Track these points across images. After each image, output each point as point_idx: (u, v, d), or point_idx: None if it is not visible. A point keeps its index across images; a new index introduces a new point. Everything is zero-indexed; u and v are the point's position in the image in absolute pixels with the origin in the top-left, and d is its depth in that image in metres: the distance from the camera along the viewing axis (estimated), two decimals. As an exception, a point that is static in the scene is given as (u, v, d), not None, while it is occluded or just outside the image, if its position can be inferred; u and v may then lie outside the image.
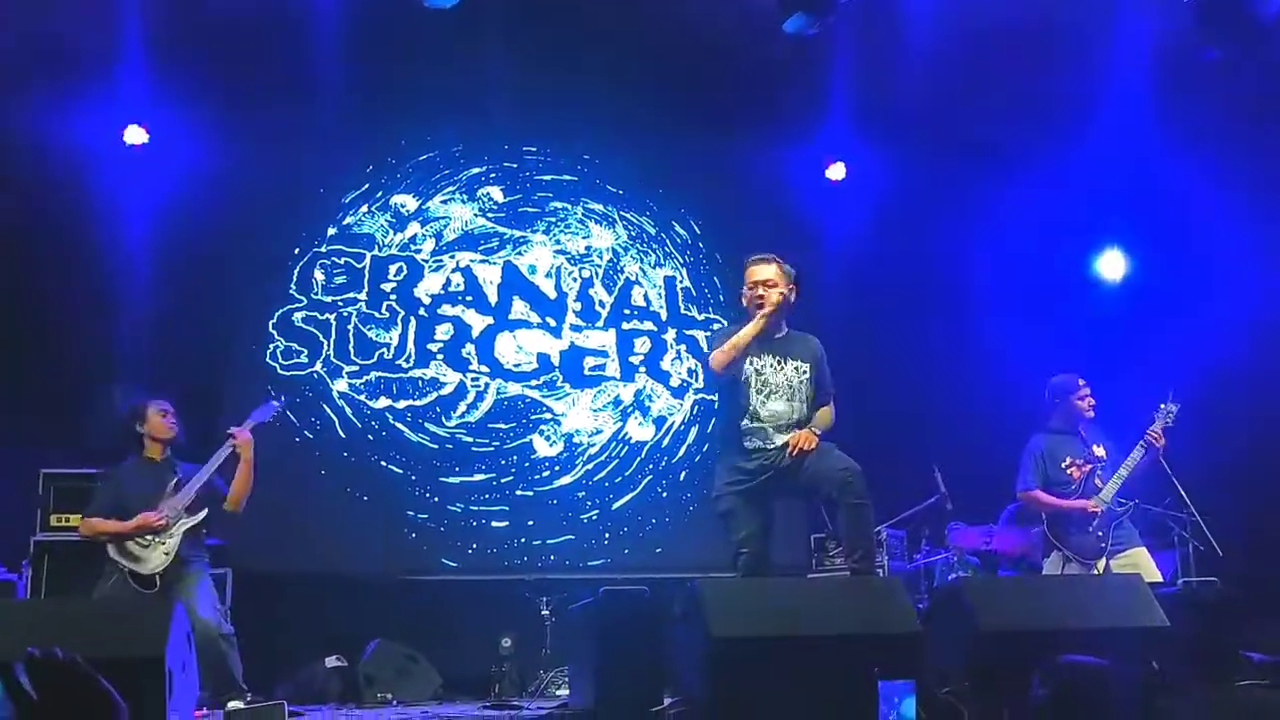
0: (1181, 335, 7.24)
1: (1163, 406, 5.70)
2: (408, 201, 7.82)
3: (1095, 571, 5.51)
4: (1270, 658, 4.33)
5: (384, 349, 7.58)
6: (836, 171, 8.17)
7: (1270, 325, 7.11)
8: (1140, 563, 5.58)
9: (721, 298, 8.12)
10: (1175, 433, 5.68)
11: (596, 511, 7.70)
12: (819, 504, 6.30)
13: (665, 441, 7.95)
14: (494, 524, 7.51)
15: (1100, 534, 5.60)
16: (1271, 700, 3.95)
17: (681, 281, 8.21)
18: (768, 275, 4.80)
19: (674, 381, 8.04)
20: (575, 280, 8.01)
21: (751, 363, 4.78)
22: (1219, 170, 7.25)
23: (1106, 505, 5.61)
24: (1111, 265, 8.41)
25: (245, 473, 5.32)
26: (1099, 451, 5.83)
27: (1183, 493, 5.82)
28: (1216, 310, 7.31)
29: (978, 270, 7.96)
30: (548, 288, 7.95)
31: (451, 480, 7.51)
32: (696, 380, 8.00)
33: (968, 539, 7.04)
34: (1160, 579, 5.50)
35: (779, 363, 4.82)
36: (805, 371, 4.84)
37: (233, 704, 4.47)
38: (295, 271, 7.52)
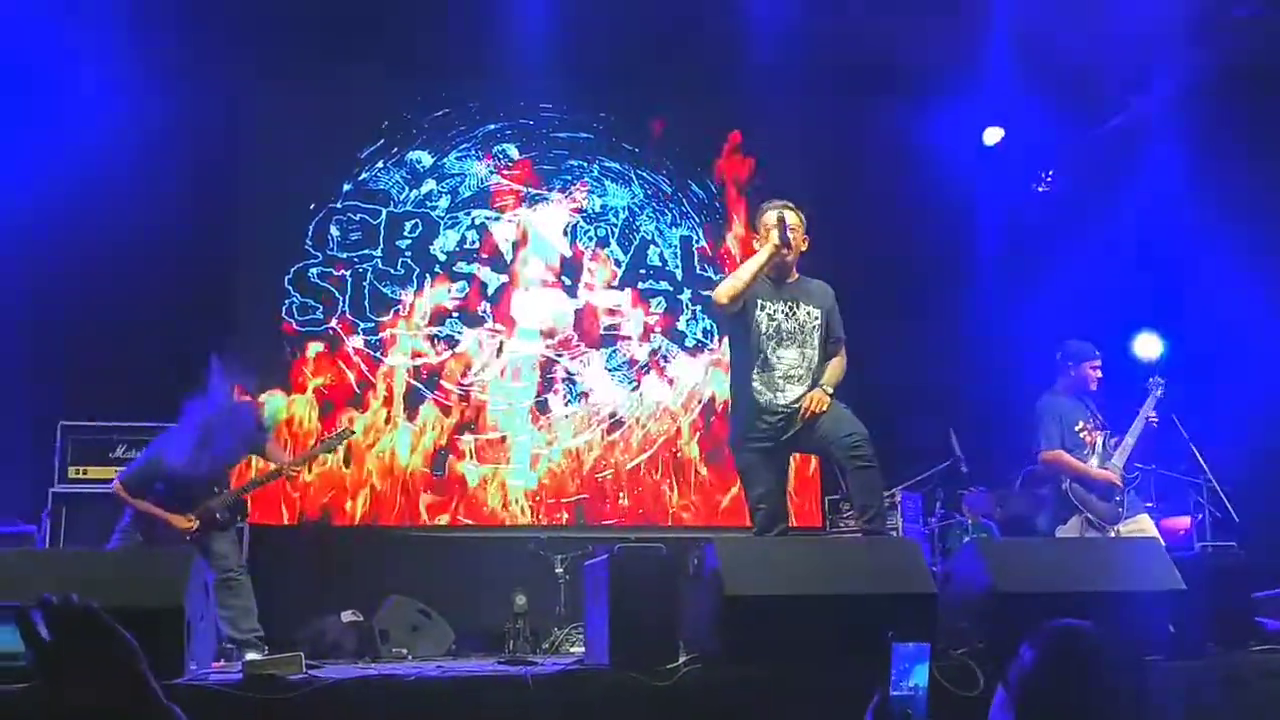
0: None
1: (1151, 380, 5.76)
2: (424, 158, 7.77)
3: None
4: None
5: (399, 306, 7.57)
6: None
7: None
8: (1145, 528, 5.60)
9: (738, 258, 8.05)
10: (1196, 402, 5.65)
11: (611, 470, 7.71)
12: (831, 466, 6.28)
13: (680, 401, 7.93)
14: (509, 481, 7.52)
15: (1119, 499, 5.60)
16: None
17: (698, 241, 8.15)
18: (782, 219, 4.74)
19: (689, 341, 8.02)
20: (591, 239, 7.97)
21: (763, 308, 4.71)
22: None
23: (1120, 473, 5.61)
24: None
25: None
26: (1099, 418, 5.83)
27: (1200, 459, 5.78)
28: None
29: (997, 233, 7.86)
30: (563, 246, 7.91)
31: (466, 438, 7.51)
32: (712, 340, 7.97)
33: (982, 503, 7.01)
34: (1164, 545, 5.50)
35: (790, 308, 4.75)
36: (817, 317, 4.77)
37: (251, 655, 4.50)
38: (311, 227, 7.50)
